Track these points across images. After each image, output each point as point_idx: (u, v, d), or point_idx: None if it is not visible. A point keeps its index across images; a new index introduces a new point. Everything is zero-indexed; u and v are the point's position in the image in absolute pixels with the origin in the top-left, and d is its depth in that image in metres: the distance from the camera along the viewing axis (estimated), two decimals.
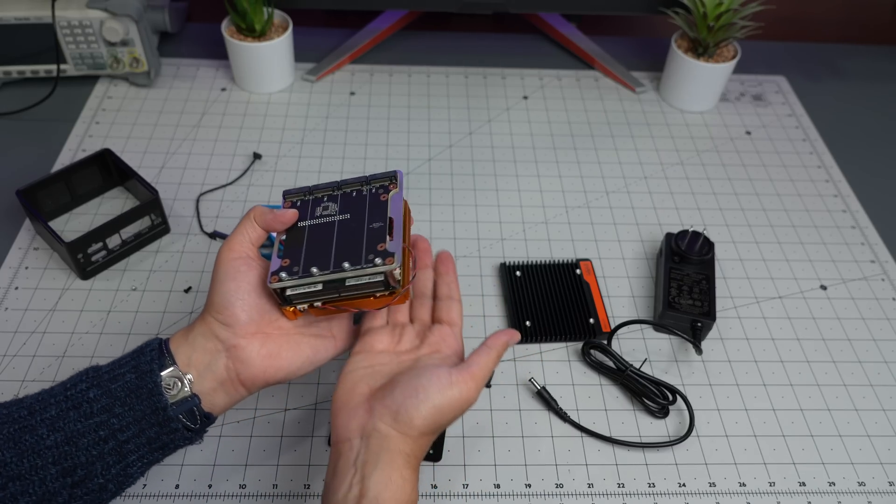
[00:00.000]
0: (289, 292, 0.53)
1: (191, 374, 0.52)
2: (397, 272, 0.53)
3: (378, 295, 0.53)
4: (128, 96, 0.98)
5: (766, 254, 0.84)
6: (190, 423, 0.52)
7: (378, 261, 0.52)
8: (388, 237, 0.53)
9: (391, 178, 0.58)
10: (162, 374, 0.51)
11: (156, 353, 0.51)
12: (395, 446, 0.49)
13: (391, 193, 0.57)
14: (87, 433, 0.48)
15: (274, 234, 0.79)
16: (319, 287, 0.52)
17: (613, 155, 0.95)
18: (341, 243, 0.54)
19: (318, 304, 0.53)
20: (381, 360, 0.55)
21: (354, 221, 0.55)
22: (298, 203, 0.58)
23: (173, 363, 0.52)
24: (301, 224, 0.56)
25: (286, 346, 0.54)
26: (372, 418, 0.50)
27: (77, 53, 0.93)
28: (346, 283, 0.52)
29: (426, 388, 0.49)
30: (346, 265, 0.52)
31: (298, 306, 0.54)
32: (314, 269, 0.52)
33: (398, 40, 1.11)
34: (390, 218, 0.55)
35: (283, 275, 0.52)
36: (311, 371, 0.56)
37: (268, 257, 0.78)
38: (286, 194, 0.59)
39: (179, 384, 0.51)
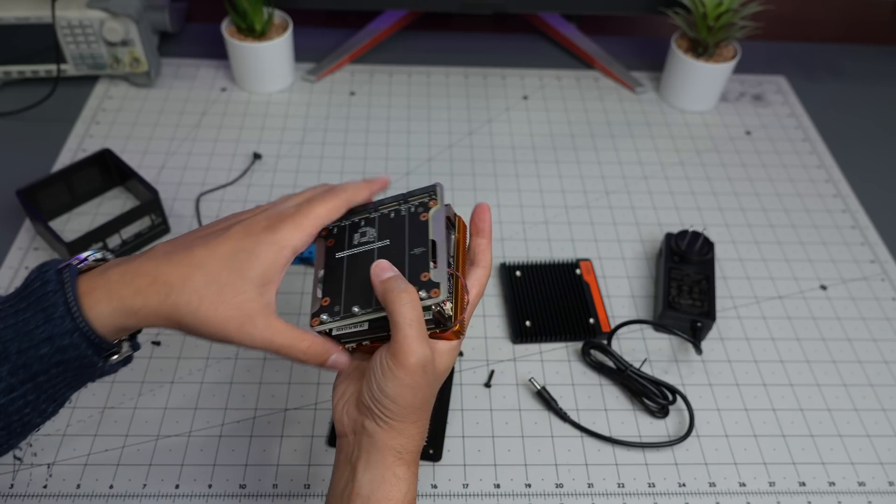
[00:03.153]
0: (335, 332, 0.48)
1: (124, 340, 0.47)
2: (447, 306, 0.46)
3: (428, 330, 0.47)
4: (128, 96, 0.98)
5: (766, 254, 0.84)
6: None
7: (423, 294, 0.46)
8: (431, 264, 0.47)
9: (430, 193, 0.51)
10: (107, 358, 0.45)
11: (85, 345, 0.43)
12: (381, 442, 0.46)
13: (432, 211, 0.50)
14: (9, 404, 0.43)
15: None
16: (366, 326, 0.48)
17: (613, 155, 0.95)
18: None
19: (367, 342, 0.49)
20: None
21: (395, 247, 0.49)
22: (335, 229, 0.52)
23: (113, 348, 0.45)
24: (339, 255, 0.50)
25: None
26: (360, 415, 0.47)
27: (77, 53, 0.93)
28: None
29: (376, 381, 0.46)
30: None
31: (347, 345, 0.50)
32: (355, 309, 0.47)
33: (398, 40, 1.11)
34: (432, 241, 0.48)
35: (325, 316, 0.48)
36: None
37: None
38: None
39: (126, 349, 0.46)
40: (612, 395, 0.70)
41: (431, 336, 0.47)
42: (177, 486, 0.62)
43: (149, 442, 0.65)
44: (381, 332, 0.48)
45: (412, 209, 0.51)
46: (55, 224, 0.81)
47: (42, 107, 0.93)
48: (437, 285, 0.46)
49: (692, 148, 0.97)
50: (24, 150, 0.90)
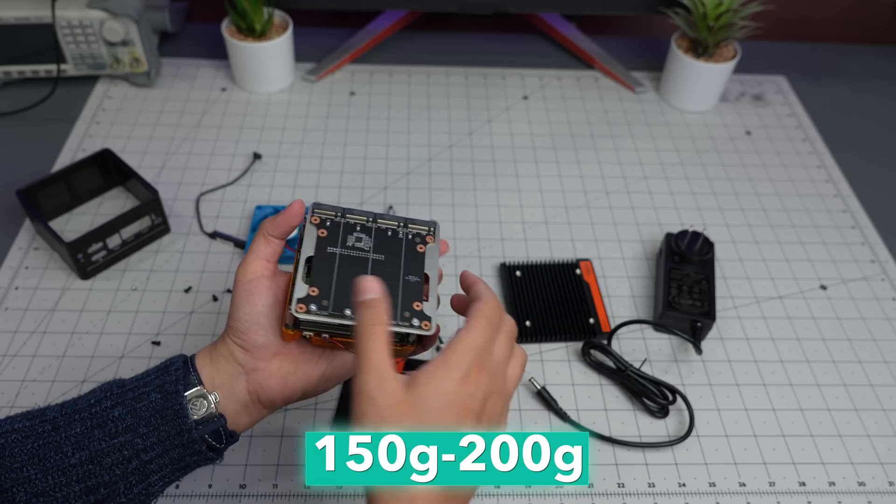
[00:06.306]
0: (303, 319, 0.49)
1: (217, 394, 0.51)
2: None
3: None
4: (128, 96, 0.98)
5: (766, 254, 0.84)
6: (215, 442, 0.51)
7: (415, 321, 0.49)
8: (423, 297, 0.51)
9: (430, 228, 0.55)
10: (187, 393, 0.50)
11: (181, 371, 0.50)
12: None
13: (429, 246, 0.54)
14: (111, 452, 0.48)
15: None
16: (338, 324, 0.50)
17: (613, 155, 0.95)
18: None
19: (326, 336, 0.51)
20: None
21: (389, 266, 0.52)
22: (328, 222, 0.53)
23: (199, 382, 0.50)
24: (331, 250, 0.51)
25: (302, 365, 0.53)
26: None
27: (77, 53, 0.93)
28: None
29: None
30: None
31: (304, 333, 0.51)
32: (347, 312, 0.49)
33: (398, 40, 1.11)
34: (426, 274, 0.52)
35: (313, 307, 0.49)
36: (332, 387, 0.54)
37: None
38: (316, 207, 0.53)
39: (206, 404, 0.50)
40: (612, 395, 0.70)
41: (393, 348, 0.49)
42: (177, 486, 0.62)
43: None
44: (345, 332, 0.50)
45: (410, 236, 0.54)
46: (55, 224, 0.81)
47: (42, 107, 0.94)
48: (428, 319, 0.50)
49: (692, 148, 0.97)
50: (24, 150, 0.90)
